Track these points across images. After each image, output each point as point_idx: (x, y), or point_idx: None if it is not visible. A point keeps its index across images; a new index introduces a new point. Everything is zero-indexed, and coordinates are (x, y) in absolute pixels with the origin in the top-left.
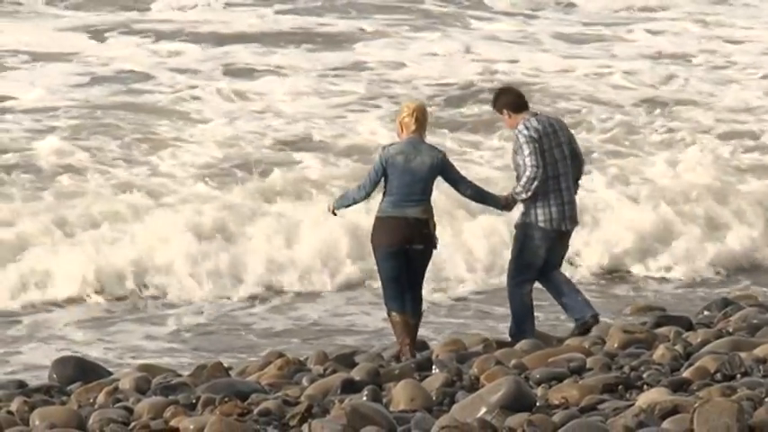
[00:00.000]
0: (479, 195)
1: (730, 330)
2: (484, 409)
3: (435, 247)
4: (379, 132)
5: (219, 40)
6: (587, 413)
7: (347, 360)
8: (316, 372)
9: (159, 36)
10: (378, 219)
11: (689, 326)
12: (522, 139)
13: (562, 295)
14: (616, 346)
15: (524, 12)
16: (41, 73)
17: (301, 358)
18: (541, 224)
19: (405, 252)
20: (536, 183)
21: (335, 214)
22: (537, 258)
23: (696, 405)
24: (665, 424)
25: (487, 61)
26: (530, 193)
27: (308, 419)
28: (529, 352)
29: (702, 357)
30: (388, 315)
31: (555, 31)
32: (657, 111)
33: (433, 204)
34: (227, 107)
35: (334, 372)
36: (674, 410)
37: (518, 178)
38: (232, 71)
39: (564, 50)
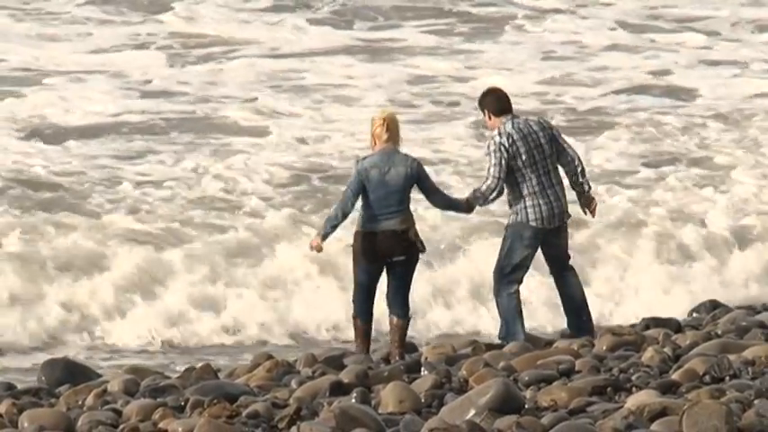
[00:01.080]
0: (448, 204)
1: (719, 332)
2: (473, 412)
3: (423, 251)
4: (464, 141)
5: (261, 54)
6: (576, 415)
7: (336, 362)
8: (304, 374)
9: (199, 53)
10: (357, 233)
11: (677, 328)
12: (491, 147)
13: (569, 305)
14: (605, 348)
15: (561, 8)
16: (87, 89)
17: (290, 360)
18: (533, 223)
19: (385, 264)
20: (494, 194)
21: (321, 250)
22: (526, 259)
23: (685, 407)
24: (654, 426)
25: (551, 74)
26: (486, 203)
27: (296, 422)
28: (518, 354)
29: (691, 359)
30: (353, 317)
31: (606, 36)
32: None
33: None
34: (298, 123)
35: (322, 374)
36: (662, 413)
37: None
38: (290, 88)
39: (621, 59)
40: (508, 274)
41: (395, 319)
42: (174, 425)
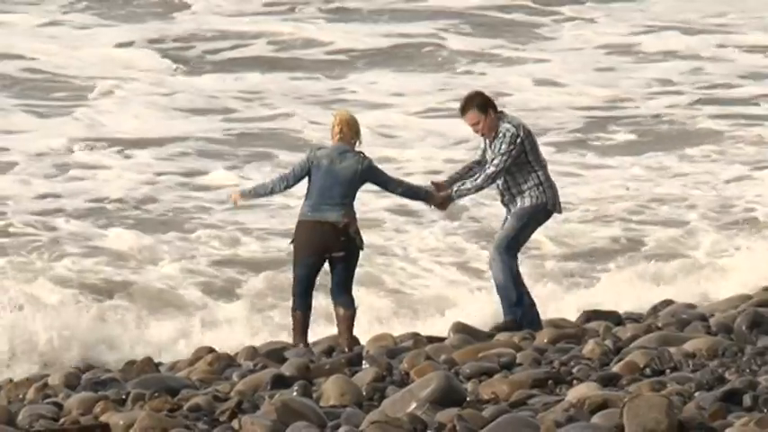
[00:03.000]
0: (411, 192)
1: (659, 325)
2: (414, 405)
3: (361, 249)
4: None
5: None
6: (517, 408)
7: (277, 355)
8: (246, 367)
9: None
10: (298, 222)
11: (618, 321)
12: (507, 136)
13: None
14: (546, 341)
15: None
16: (132, 102)
17: (231, 353)
18: (550, 207)
19: (324, 260)
20: (490, 183)
21: (237, 204)
22: (527, 240)
23: (626, 400)
24: (595, 419)
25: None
26: (479, 191)
27: (237, 415)
28: (459, 347)
29: (632, 352)
30: (292, 311)
31: (655, 45)
32: None
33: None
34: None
35: (264, 367)
36: (603, 405)
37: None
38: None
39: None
40: (515, 249)
41: (341, 311)
42: (115, 418)
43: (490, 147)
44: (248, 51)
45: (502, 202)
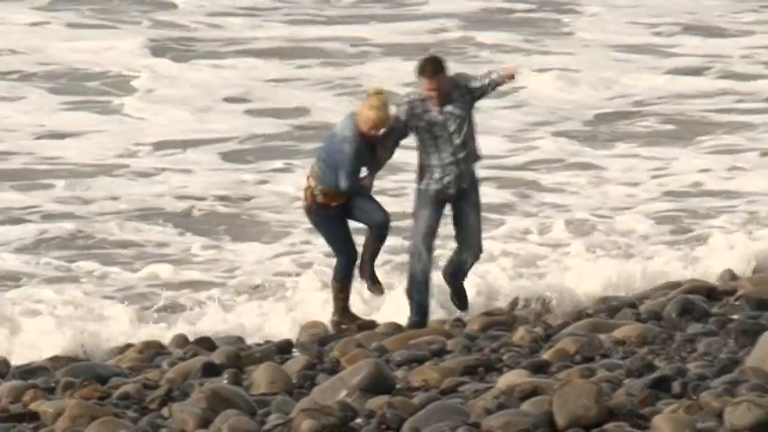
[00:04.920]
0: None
1: (590, 312)
2: (344, 392)
3: (309, 210)
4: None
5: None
6: (447, 395)
7: (208, 343)
8: (176, 355)
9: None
10: None
11: (548, 308)
12: (479, 76)
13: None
14: (476, 328)
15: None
16: (164, 100)
17: (161, 341)
18: None
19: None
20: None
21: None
22: None
23: (556, 387)
24: (525, 406)
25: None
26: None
27: (167, 403)
28: (389, 334)
29: (562, 339)
30: None
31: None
32: None
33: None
34: None
35: (194, 355)
36: (533, 392)
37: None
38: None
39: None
40: None
41: None
42: (45, 406)
43: (439, 106)
44: (260, 44)
45: (455, 164)
